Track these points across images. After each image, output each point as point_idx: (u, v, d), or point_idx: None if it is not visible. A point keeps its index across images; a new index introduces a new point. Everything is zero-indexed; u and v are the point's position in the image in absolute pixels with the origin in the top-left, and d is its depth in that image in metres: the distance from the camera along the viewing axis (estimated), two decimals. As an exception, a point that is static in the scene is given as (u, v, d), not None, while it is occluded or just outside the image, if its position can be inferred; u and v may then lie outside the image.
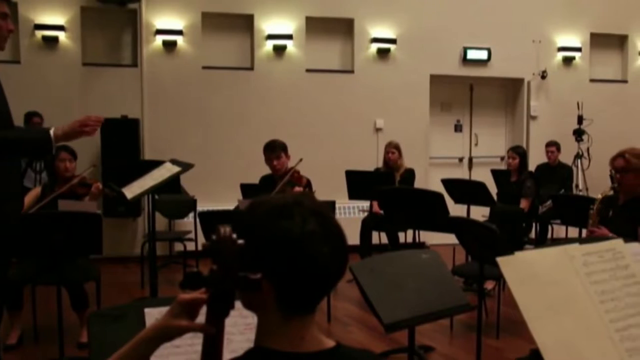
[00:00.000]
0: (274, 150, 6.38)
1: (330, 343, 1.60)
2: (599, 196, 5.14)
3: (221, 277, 1.44)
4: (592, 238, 4.21)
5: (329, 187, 7.50)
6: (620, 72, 11.55)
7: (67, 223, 4.67)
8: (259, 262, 1.49)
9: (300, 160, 6.35)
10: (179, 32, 9.30)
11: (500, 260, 2.05)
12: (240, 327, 2.18)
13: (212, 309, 1.50)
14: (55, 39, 8.94)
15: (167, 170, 5.59)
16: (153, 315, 2.24)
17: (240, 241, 1.44)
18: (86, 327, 5.40)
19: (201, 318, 1.55)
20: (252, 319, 1.65)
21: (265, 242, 1.51)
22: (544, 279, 2.08)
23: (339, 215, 9.02)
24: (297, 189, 6.14)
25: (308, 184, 6.37)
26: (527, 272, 2.07)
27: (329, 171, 8.56)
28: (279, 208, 1.55)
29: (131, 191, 5.48)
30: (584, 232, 5.53)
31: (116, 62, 9.40)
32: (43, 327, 5.80)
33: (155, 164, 5.82)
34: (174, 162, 5.74)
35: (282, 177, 6.27)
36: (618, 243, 2.38)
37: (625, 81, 11.44)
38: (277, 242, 1.50)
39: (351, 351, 1.64)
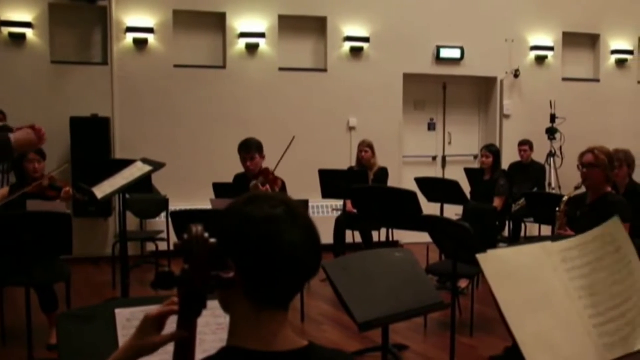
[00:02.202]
0: (249, 151, 6.22)
1: (303, 343, 1.59)
2: (565, 198, 5.17)
3: (193, 276, 1.42)
4: (563, 236, 4.23)
5: (302, 186, 7.46)
6: (592, 71, 11.64)
7: (36, 223, 4.60)
8: (227, 251, 1.48)
9: (293, 138, 6.49)
10: (150, 30, 9.20)
11: (480, 256, 2.04)
12: (213, 327, 2.18)
13: (184, 309, 1.47)
14: (22, 36, 8.79)
15: (138, 170, 5.53)
16: (124, 315, 2.25)
17: (212, 240, 1.43)
18: (56, 329, 5.34)
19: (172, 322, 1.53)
20: (224, 319, 1.65)
21: (232, 227, 1.52)
22: (523, 275, 2.08)
23: (313, 214, 8.94)
24: (265, 187, 6.06)
25: (283, 187, 6.27)
26: (506, 268, 2.06)
27: (302, 170, 8.52)
28: (249, 197, 1.58)
29: (102, 191, 5.41)
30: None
31: (86, 60, 9.27)
32: (11, 329, 5.71)
33: (126, 163, 5.76)
34: (145, 161, 5.68)
35: (256, 176, 6.19)
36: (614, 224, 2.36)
37: (597, 80, 11.53)
38: (242, 224, 1.51)
39: (324, 350, 1.64)
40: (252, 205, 1.54)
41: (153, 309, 1.57)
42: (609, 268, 2.24)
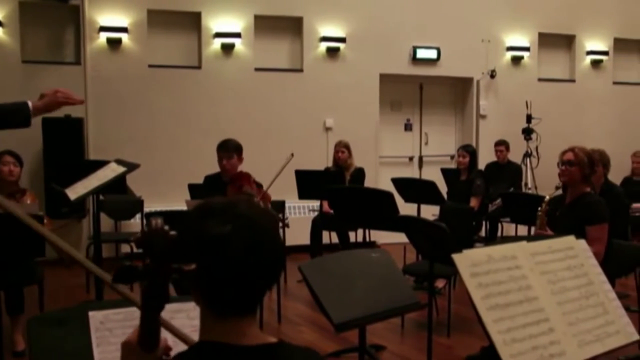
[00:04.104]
0: (227, 150, 6.02)
1: (272, 339, 1.59)
2: (547, 198, 5.19)
3: (154, 269, 1.38)
4: (541, 236, 4.25)
5: (278, 186, 7.39)
6: (567, 71, 11.72)
7: (6, 224, 4.51)
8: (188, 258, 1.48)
9: (292, 155, 6.53)
10: (123, 30, 9.11)
11: (455, 256, 2.02)
12: (188, 329, 2.16)
13: (147, 304, 1.44)
14: (-9, 35, 8.68)
15: (112, 171, 5.48)
16: (97, 318, 2.24)
17: (173, 232, 1.40)
18: (21, 334, 5.24)
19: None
20: (199, 320, 1.62)
21: (184, 244, 1.49)
22: (499, 275, 2.06)
23: (289, 215, 8.93)
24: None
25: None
26: (482, 268, 2.05)
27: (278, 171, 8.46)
28: (204, 210, 1.55)
29: (75, 192, 5.35)
30: (533, 229, 5.59)
31: (58, 59, 9.15)
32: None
33: (100, 164, 5.71)
34: (119, 162, 5.63)
35: (232, 179, 6.08)
36: (570, 240, 2.37)
37: (572, 80, 11.61)
38: (191, 242, 1.49)
39: (293, 348, 1.63)
40: (204, 220, 1.51)
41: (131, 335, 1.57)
42: (578, 278, 2.25)
